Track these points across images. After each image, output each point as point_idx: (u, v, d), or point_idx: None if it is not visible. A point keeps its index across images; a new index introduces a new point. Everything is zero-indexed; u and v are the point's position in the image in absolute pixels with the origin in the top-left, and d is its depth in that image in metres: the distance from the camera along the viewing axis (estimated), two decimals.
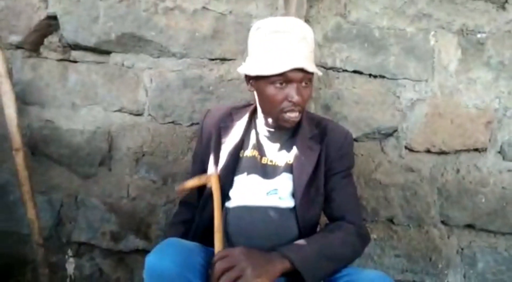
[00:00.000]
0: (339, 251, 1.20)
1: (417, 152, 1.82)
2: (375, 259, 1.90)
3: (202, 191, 1.41)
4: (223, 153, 1.36)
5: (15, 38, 1.88)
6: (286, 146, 1.36)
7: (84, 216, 1.97)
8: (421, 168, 1.82)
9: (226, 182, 1.34)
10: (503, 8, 1.72)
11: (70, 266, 2.02)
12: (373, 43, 1.75)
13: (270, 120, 1.32)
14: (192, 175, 1.51)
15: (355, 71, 1.78)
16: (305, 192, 1.29)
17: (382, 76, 1.78)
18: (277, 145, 1.36)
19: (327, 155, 1.34)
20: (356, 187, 1.45)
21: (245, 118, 1.39)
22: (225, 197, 1.35)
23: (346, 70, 1.78)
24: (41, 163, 1.97)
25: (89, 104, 1.91)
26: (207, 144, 1.42)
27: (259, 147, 1.37)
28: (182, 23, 1.79)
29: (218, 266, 1.03)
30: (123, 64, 1.87)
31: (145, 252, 1.84)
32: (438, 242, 1.87)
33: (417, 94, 1.77)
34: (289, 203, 1.31)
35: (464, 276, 1.89)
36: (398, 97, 1.78)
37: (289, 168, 1.32)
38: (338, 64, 1.77)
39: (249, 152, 1.36)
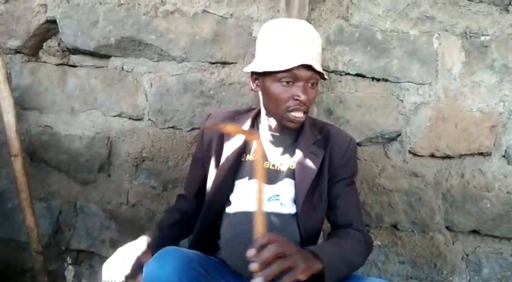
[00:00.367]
0: (353, 258, 1.19)
1: (421, 156, 1.80)
2: (379, 266, 1.87)
3: (203, 190, 1.40)
4: (224, 156, 1.34)
5: (14, 43, 1.87)
6: (289, 150, 1.34)
7: (83, 223, 1.95)
8: (425, 173, 1.80)
9: (226, 186, 1.33)
10: (507, 10, 1.71)
11: (70, 274, 2.00)
12: (376, 46, 1.74)
13: (274, 122, 1.31)
14: (190, 179, 1.50)
15: (357, 75, 1.77)
16: (307, 198, 1.27)
17: (385, 80, 1.76)
18: (280, 150, 1.34)
19: (331, 161, 1.32)
20: (359, 194, 1.43)
21: (248, 123, 1.37)
22: (225, 202, 1.34)
23: (348, 74, 1.77)
24: (39, 169, 1.95)
25: (88, 109, 1.89)
26: (208, 148, 1.40)
27: None
28: (182, 27, 1.77)
29: (272, 249, 0.92)
30: (122, 69, 1.86)
31: None
32: (442, 248, 1.85)
33: (421, 98, 1.75)
34: (291, 209, 1.29)
35: None
36: (402, 101, 1.76)
37: (292, 174, 1.30)
38: (340, 67, 1.75)
39: (251, 156, 1.34)
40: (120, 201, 1.93)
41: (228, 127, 1.16)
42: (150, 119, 1.87)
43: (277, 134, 1.34)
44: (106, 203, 1.94)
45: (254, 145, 1.35)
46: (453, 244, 1.86)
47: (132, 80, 1.85)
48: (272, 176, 1.32)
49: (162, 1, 1.77)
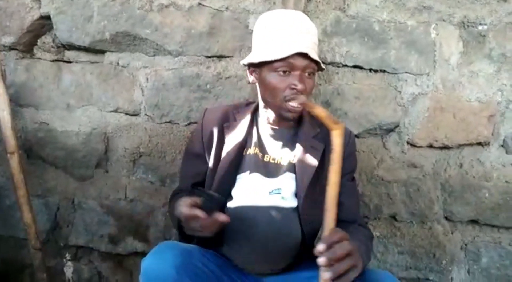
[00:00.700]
0: (369, 254, 1.21)
1: (420, 147, 1.79)
2: (378, 257, 1.88)
3: (201, 185, 1.39)
4: (225, 151, 1.34)
5: (8, 39, 1.85)
6: (289, 144, 1.34)
7: (82, 219, 1.95)
8: (423, 164, 1.80)
9: (228, 180, 1.32)
10: None
11: (69, 270, 2.00)
12: (373, 37, 1.72)
13: (272, 115, 1.31)
14: (184, 174, 1.49)
15: (355, 66, 1.76)
16: (308, 192, 1.27)
17: (383, 71, 1.75)
18: (280, 143, 1.34)
19: None
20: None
21: (248, 117, 1.37)
22: (227, 196, 1.33)
23: (346, 65, 1.76)
24: (36, 165, 1.94)
25: (84, 105, 1.88)
26: (209, 143, 1.39)
27: (261, 144, 1.35)
28: (178, 20, 1.75)
29: (345, 248, 0.92)
30: (118, 64, 1.84)
31: (144, 254, 1.79)
32: (441, 238, 1.85)
33: (419, 89, 1.75)
34: (292, 203, 1.29)
35: (468, 272, 1.87)
36: (400, 92, 1.76)
37: (292, 167, 1.30)
38: (338, 59, 1.74)
39: (251, 150, 1.34)
40: (118, 196, 1.92)
41: (314, 107, 1.06)
42: (147, 114, 1.85)
43: (277, 127, 1.34)
44: (104, 198, 1.93)
45: (254, 139, 1.35)
46: (452, 233, 1.86)
47: (128, 75, 1.84)
48: (273, 170, 1.32)
49: None
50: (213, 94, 1.79)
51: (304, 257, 1.34)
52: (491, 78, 1.73)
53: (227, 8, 1.74)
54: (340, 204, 1.32)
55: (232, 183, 1.33)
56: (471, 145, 1.78)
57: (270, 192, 1.28)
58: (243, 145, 1.34)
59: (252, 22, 1.72)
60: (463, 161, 1.80)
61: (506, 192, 1.78)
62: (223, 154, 1.33)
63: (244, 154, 1.34)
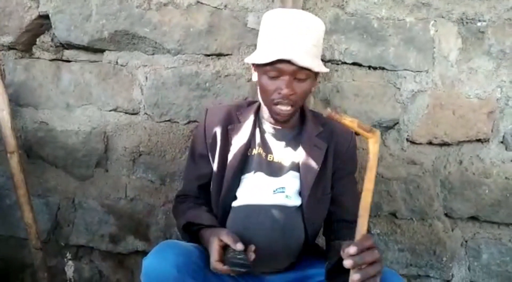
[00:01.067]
0: None
1: (419, 144, 1.79)
2: None
3: (206, 186, 1.39)
4: (232, 154, 1.33)
5: (6, 39, 1.85)
6: (292, 144, 1.34)
7: (82, 218, 1.95)
8: (423, 161, 1.80)
9: (234, 181, 1.32)
10: None
11: (69, 270, 2.01)
12: (372, 35, 1.72)
13: (268, 113, 1.31)
14: (189, 176, 1.48)
15: (354, 64, 1.75)
16: (312, 191, 1.27)
17: (382, 68, 1.75)
18: (283, 143, 1.34)
19: (335, 154, 1.33)
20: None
21: (251, 118, 1.36)
22: (233, 197, 1.33)
23: (345, 63, 1.75)
24: (36, 165, 1.94)
25: (83, 104, 1.88)
26: (212, 144, 1.37)
27: (264, 144, 1.34)
28: (176, 19, 1.75)
29: (376, 254, 0.95)
30: (117, 63, 1.84)
31: (145, 253, 1.82)
32: (442, 235, 1.85)
33: (418, 86, 1.75)
34: (296, 201, 1.29)
35: (469, 269, 1.88)
36: (399, 89, 1.75)
37: (296, 166, 1.31)
38: (336, 56, 1.74)
39: (255, 150, 1.34)
40: (118, 195, 1.92)
41: (342, 117, 0.97)
42: (146, 113, 1.85)
43: (279, 127, 1.34)
44: (104, 198, 1.93)
45: (258, 139, 1.34)
46: (452, 230, 1.86)
47: (127, 74, 1.84)
48: (277, 169, 1.32)
49: None
50: (212, 92, 1.79)
51: (306, 255, 1.35)
52: (490, 74, 1.73)
53: (225, 6, 1.74)
54: (341, 205, 1.36)
55: (237, 183, 1.33)
56: (470, 141, 1.78)
57: (274, 191, 1.28)
58: (248, 145, 1.33)
59: (250, 20, 1.72)
60: (463, 157, 1.80)
61: (506, 188, 1.79)
62: (230, 157, 1.33)
63: (248, 154, 1.34)
